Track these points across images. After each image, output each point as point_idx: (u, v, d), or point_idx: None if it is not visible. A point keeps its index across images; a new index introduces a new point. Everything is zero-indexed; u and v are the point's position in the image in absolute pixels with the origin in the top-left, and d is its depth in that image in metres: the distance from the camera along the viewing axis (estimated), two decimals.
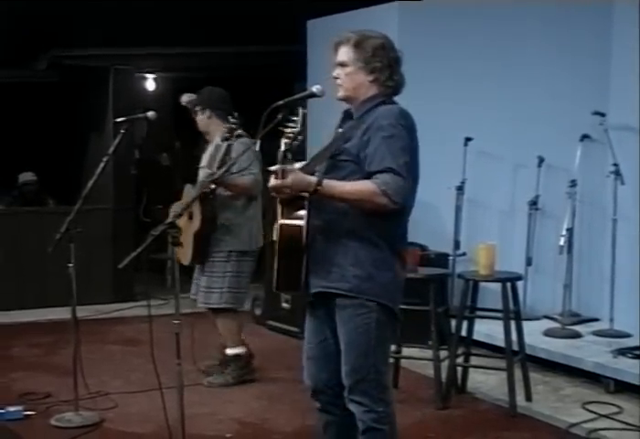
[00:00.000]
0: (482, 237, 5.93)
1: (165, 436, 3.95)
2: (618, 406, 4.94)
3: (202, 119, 5.43)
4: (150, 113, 4.78)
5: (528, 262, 6.39)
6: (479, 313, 5.32)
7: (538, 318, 6.33)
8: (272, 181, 3.09)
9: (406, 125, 3.17)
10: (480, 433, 4.64)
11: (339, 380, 3.26)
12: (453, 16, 6.64)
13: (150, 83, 10.53)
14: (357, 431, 3.28)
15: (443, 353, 5.13)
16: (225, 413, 4.90)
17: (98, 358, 5.91)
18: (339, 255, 3.17)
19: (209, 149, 5.41)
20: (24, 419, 4.72)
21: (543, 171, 6.42)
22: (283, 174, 3.04)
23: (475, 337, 5.46)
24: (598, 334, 5.91)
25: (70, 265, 4.59)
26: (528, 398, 5.10)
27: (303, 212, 3.14)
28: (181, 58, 9.11)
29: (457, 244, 6.56)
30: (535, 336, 5.79)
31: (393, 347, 5.17)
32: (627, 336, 5.79)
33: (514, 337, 5.01)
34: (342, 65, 3.26)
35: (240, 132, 4.92)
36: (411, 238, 3.50)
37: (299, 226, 3.12)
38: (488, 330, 5.74)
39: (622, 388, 5.16)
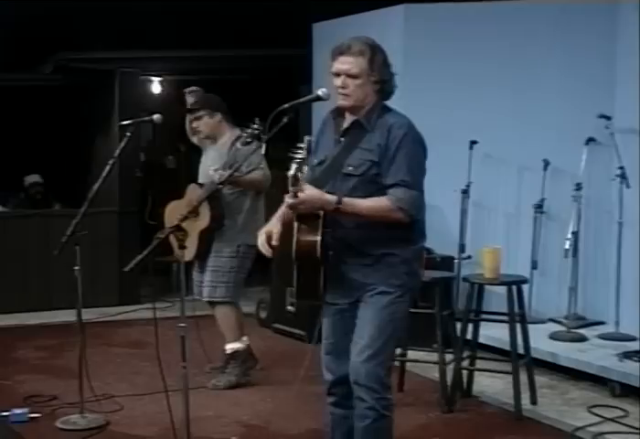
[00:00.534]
0: (487, 240, 5.93)
1: None
2: (624, 409, 4.93)
3: (210, 122, 5.49)
4: (156, 116, 4.80)
5: (534, 266, 6.38)
6: (484, 316, 5.31)
7: (543, 322, 6.32)
8: (290, 200, 3.19)
9: (417, 134, 3.33)
10: (485, 436, 4.64)
11: None
12: (458, 19, 6.64)
13: (156, 86, 10.52)
14: (362, 420, 3.36)
15: (449, 356, 5.12)
16: (230, 416, 4.90)
17: (103, 361, 5.92)
18: (387, 256, 3.33)
19: (217, 151, 5.45)
20: (29, 421, 4.72)
21: (549, 174, 6.41)
22: (298, 194, 3.15)
23: (481, 340, 5.47)
24: (604, 337, 5.91)
25: (76, 268, 4.60)
26: (534, 401, 5.10)
27: (318, 227, 3.24)
28: (187, 61, 9.12)
29: (462, 247, 6.55)
30: (540, 339, 5.78)
31: (399, 351, 5.18)
32: (633, 339, 5.78)
33: (519, 340, 5.01)
34: (352, 76, 3.31)
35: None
36: None
37: (315, 241, 3.22)
38: (494, 333, 5.73)
39: (627, 391, 5.16)
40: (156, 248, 3.43)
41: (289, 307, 6.81)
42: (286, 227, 3.32)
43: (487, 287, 5.25)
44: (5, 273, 7.72)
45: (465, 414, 4.96)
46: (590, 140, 6.19)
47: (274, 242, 3.35)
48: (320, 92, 3.38)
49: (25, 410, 4.78)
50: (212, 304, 5.44)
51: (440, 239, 6.55)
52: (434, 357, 5.14)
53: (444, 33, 6.66)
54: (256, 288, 7.66)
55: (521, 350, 5.07)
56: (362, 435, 3.39)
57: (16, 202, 8.78)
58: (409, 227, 3.34)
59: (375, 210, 3.24)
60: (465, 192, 6.53)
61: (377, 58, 3.31)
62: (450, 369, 5.08)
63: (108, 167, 4.66)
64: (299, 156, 3.16)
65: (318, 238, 3.22)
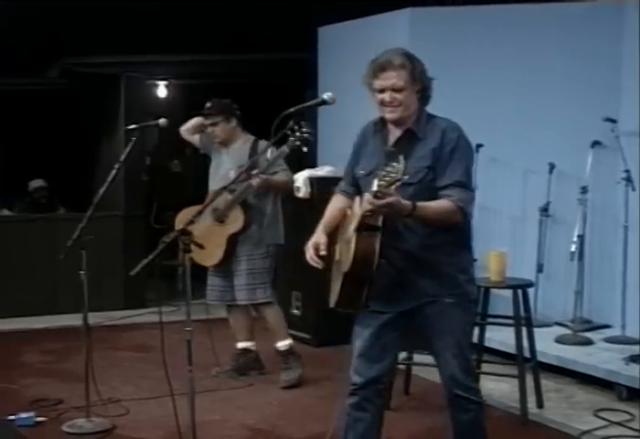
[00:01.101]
0: (493, 243, 5.91)
1: None
2: (630, 413, 4.92)
3: (227, 128, 5.57)
4: (161, 121, 4.79)
5: (539, 269, 6.37)
6: (490, 319, 5.31)
7: (549, 325, 6.31)
8: (374, 201, 3.04)
9: (467, 137, 3.41)
10: None
11: (386, 374, 3.54)
12: (464, 23, 6.63)
13: (161, 90, 10.55)
14: (463, 423, 3.55)
15: None
16: (236, 420, 4.90)
17: (109, 365, 5.93)
18: (445, 265, 3.42)
19: (232, 156, 5.54)
20: (35, 425, 4.73)
21: (554, 178, 6.40)
22: (384, 196, 3.03)
23: (487, 343, 5.46)
24: (610, 340, 5.89)
25: (82, 272, 4.61)
26: (540, 405, 5.09)
27: (377, 236, 3.19)
28: (192, 65, 9.14)
29: None
30: (546, 342, 5.77)
31: (404, 354, 5.18)
32: (639, 342, 5.77)
33: (525, 343, 5.01)
34: (397, 90, 3.34)
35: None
36: None
37: (374, 251, 3.18)
38: (499, 337, 5.72)
39: (634, 395, 5.14)
40: (162, 252, 3.44)
41: (294, 311, 6.81)
42: (331, 238, 3.36)
43: (493, 290, 5.25)
44: (10, 277, 7.73)
45: None
46: (595, 143, 6.19)
47: (322, 253, 3.36)
48: (325, 96, 3.38)
49: (31, 414, 4.78)
50: (253, 306, 5.54)
51: None
52: None
53: (450, 37, 6.65)
54: None
55: (527, 354, 5.06)
56: (468, 426, 3.57)
57: (21, 206, 8.80)
58: (462, 231, 3.47)
59: (440, 213, 3.27)
60: None
61: (416, 68, 3.37)
62: None
63: (114, 172, 4.67)
64: (393, 174, 2.99)
65: (377, 247, 3.17)
